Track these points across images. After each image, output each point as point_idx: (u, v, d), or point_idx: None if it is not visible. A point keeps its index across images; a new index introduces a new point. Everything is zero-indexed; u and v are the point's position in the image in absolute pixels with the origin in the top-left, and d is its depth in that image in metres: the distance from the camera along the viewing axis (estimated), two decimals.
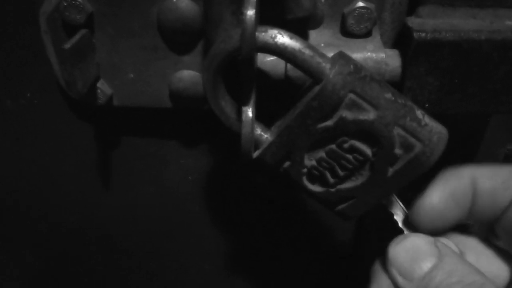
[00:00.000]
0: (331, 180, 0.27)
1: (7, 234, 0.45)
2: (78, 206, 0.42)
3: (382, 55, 0.29)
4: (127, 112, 0.36)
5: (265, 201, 0.42)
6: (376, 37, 0.30)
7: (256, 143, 0.28)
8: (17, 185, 0.41)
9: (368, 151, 0.26)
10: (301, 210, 0.42)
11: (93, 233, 0.44)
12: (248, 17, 0.23)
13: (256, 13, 0.24)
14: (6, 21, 0.33)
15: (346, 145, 0.26)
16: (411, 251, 0.26)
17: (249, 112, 0.28)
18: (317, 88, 0.25)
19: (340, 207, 0.29)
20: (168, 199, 0.42)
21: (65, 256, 0.46)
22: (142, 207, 0.42)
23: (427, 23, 0.28)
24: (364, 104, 0.25)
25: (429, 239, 0.27)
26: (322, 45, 0.29)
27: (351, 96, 0.24)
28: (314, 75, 0.25)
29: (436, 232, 0.28)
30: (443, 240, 0.28)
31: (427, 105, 0.30)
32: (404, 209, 0.29)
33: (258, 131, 0.28)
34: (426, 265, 0.26)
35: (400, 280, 0.26)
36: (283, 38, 0.24)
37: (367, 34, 0.29)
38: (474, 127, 0.36)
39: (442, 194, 0.28)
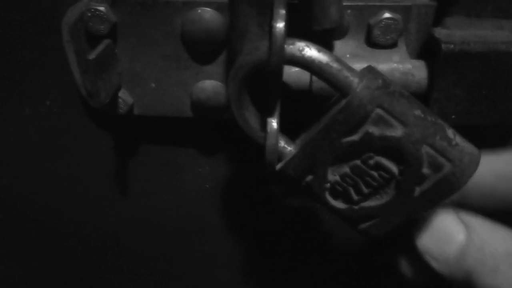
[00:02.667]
0: (355, 197, 0.27)
1: (24, 239, 0.45)
2: (95, 213, 0.42)
3: (409, 66, 0.28)
4: (145, 120, 0.35)
5: (280, 210, 0.42)
6: (402, 47, 0.29)
7: (280, 155, 0.27)
8: (35, 192, 0.41)
9: (394, 168, 0.26)
10: (317, 219, 0.42)
11: (109, 240, 0.44)
12: (277, 29, 0.23)
13: (285, 25, 0.23)
14: (28, 29, 0.33)
15: (371, 162, 0.26)
16: (436, 236, 0.26)
17: (274, 124, 0.28)
18: (343, 102, 0.24)
19: (363, 225, 0.28)
20: (185, 207, 0.42)
21: (81, 262, 0.46)
22: (159, 214, 0.42)
23: (454, 34, 0.28)
24: (392, 120, 0.24)
25: (453, 216, 0.26)
26: (348, 56, 0.29)
27: (378, 111, 0.24)
28: (341, 89, 0.24)
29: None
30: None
31: (453, 117, 0.29)
32: None
33: (282, 143, 0.28)
34: (455, 246, 0.25)
35: (436, 265, 0.26)
36: (310, 51, 0.24)
37: (393, 45, 0.29)
38: (499, 137, 0.36)
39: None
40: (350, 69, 0.24)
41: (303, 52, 0.24)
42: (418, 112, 0.24)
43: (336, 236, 0.43)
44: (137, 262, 0.46)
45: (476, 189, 0.28)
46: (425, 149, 0.24)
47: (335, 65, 0.24)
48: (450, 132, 0.25)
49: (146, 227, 0.43)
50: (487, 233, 0.25)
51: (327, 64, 0.24)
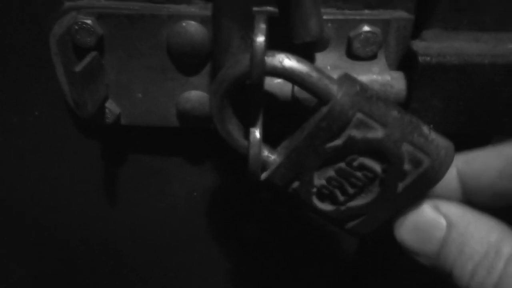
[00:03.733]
0: (341, 198, 0.28)
1: (14, 246, 0.45)
2: (84, 220, 0.43)
3: (388, 77, 0.29)
4: (133, 130, 0.36)
5: (269, 217, 0.42)
6: (381, 59, 0.30)
7: (263, 165, 0.28)
8: (23, 200, 0.42)
9: (377, 167, 0.26)
10: (306, 225, 0.42)
11: (99, 248, 0.45)
12: (258, 43, 0.24)
13: (266, 39, 0.24)
14: (17, 40, 0.33)
15: (355, 163, 0.26)
16: (416, 231, 0.26)
17: (257, 134, 0.28)
18: (325, 109, 0.25)
19: (350, 224, 0.29)
20: (173, 215, 0.42)
21: (71, 270, 0.46)
22: (147, 222, 0.43)
23: (431, 47, 0.29)
24: (372, 123, 0.25)
25: (432, 208, 0.26)
26: (329, 67, 0.30)
27: (359, 115, 0.25)
28: (322, 97, 0.25)
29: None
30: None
31: (431, 126, 0.30)
32: None
33: (265, 152, 0.28)
34: (435, 241, 0.25)
35: (418, 258, 0.26)
36: (290, 62, 0.25)
37: (372, 57, 0.30)
38: (476, 147, 0.37)
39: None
40: (329, 77, 0.25)
41: (283, 63, 0.25)
42: (395, 113, 0.25)
43: (326, 242, 0.44)
44: (126, 270, 0.46)
45: (479, 186, 0.28)
46: (405, 147, 0.25)
47: (314, 74, 0.25)
48: (425, 129, 0.26)
49: (135, 234, 0.43)
50: (468, 227, 0.25)
51: (307, 74, 0.25)
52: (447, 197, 0.27)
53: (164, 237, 0.43)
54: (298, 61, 0.25)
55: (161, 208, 0.42)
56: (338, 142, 0.26)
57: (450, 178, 0.28)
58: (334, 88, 0.25)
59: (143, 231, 0.43)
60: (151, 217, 0.42)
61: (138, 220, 0.42)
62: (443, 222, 0.26)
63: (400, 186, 0.27)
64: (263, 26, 0.24)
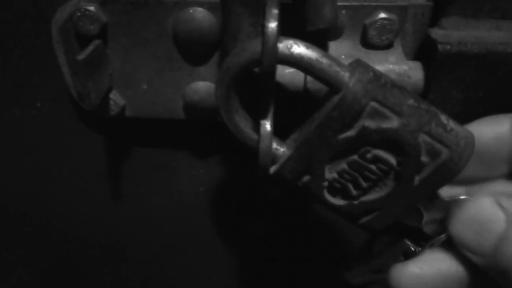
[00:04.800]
0: (354, 192, 0.27)
1: (15, 242, 0.45)
2: (87, 216, 0.42)
3: (405, 67, 0.28)
4: (138, 122, 0.35)
5: (276, 213, 0.41)
6: (397, 48, 0.29)
7: (273, 158, 0.27)
8: (25, 194, 0.41)
9: (392, 160, 0.25)
10: (313, 221, 0.41)
11: (102, 243, 0.44)
12: (270, 29, 0.23)
13: (278, 25, 0.23)
14: (18, 30, 0.32)
15: (369, 156, 0.25)
16: (472, 225, 0.24)
17: (268, 126, 0.27)
18: (336, 98, 0.24)
19: (364, 219, 0.27)
20: (179, 210, 0.41)
21: (73, 265, 0.46)
22: (152, 217, 0.42)
23: (451, 35, 0.28)
24: (387, 112, 0.24)
25: (491, 201, 0.24)
26: (343, 56, 0.28)
27: (373, 104, 0.23)
28: (333, 85, 0.24)
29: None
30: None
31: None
32: None
33: (274, 145, 0.27)
34: (493, 236, 0.24)
35: (471, 256, 0.24)
36: (299, 48, 0.23)
37: (388, 46, 0.29)
38: None
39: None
40: (340, 64, 0.24)
41: (291, 50, 0.23)
42: (411, 101, 0.24)
43: (334, 239, 0.43)
44: (130, 265, 0.45)
45: None
46: (422, 137, 0.24)
47: (324, 60, 0.23)
48: (443, 118, 0.24)
49: (140, 229, 0.43)
50: None
51: (316, 60, 0.23)
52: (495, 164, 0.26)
53: (169, 233, 0.43)
54: (307, 47, 0.24)
55: (166, 203, 0.41)
56: (351, 133, 0.24)
57: (503, 137, 0.26)
58: (345, 76, 0.23)
59: (148, 227, 0.42)
60: (156, 213, 0.41)
61: (142, 215, 0.42)
62: (502, 216, 0.24)
63: (417, 179, 0.25)
64: (275, 11, 0.23)
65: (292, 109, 0.30)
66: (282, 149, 0.26)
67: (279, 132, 0.27)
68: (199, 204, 0.41)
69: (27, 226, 0.43)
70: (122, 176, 0.39)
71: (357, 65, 0.24)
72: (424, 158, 0.25)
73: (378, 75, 0.24)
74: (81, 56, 0.27)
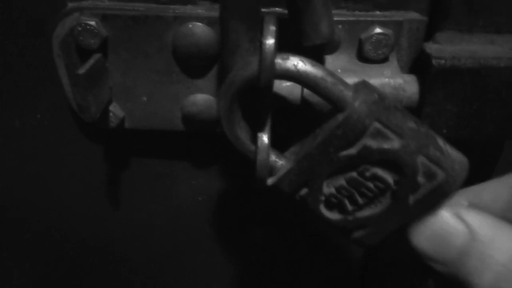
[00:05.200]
0: (350, 207, 0.27)
1: (14, 251, 0.45)
2: (87, 226, 0.42)
3: (400, 81, 0.28)
4: (137, 133, 0.35)
5: (274, 222, 0.42)
6: (393, 62, 0.29)
7: (271, 170, 0.27)
8: (25, 204, 0.41)
9: (389, 179, 0.26)
10: (312, 231, 0.42)
11: (101, 252, 0.44)
12: (267, 46, 0.23)
13: (275, 42, 0.23)
14: (19, 41, 0.33)
15: (367, 173, 0.26)
16: (434, 237, 0.25)
17: (265, 138, 0.27)
18: (341, 116, 0.24)
19: (357, 234, 0.28)
20: (178, 219, 0.41)
21: (72, 275, 0.46)
22: (152, 227, 0.42)
23: (445, 50, 0.28)
24: (389, 133, 0.24)
25: (452, 214, 0.25)
26: (339, 70, 0.29)
27: (376, 125, 0.24)
28: (336, 103, 0.24)
29: None
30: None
31: (444, 131, 0.29)
32: None
33: (273, 157, 0.28)
34: (454, 250, 0.24)
35: (434, 265, 0.25)
36: (305, 66, 0.24)
37: (384, 60, 0.29)
38: (488, 152, 0.36)
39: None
40: (344, 83, 0.24)
41: (298, 67, 0.24)
42: (412, 124, 0.24)
43: (333, 246, 0.43)
44: (128, 274, 0.45)
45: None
46: (420, 159, 0.25)
47: (329, 79, 0.24)
48: (441, 142, 0.25)
49: (139, 239, 0.43)
50: (490, 236, 0.24)
51: (321, 78, 0.24)
52: None
53: (168, 242, 0.43)
54: (312, 65, 0.24)
55: (165, 212, 0.41)
56: (352, 151, 0.25)
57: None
58: (349, 95, 0.24)
59: (147, 235, 0.43)
60: (155, 221, 0.42)
61: (142, 224, 0.42)
62: (463, 229, 0.24)
63: (412, 198, 0.26)
64: (272, 28, 0.24)
65: (289, 121, 0.30)
66: (280, 162, 0.27)
67: (277, 143, 0.28)
68: (198, 212, 0.41)
69: (27, 235, 0.43)
70: (122, 186, 0.39)
71: (363, 86, 0.25)
72: (420, 179, 0.25)
73: (382, 97, 0.24)
74: (82, 70, 0.27)
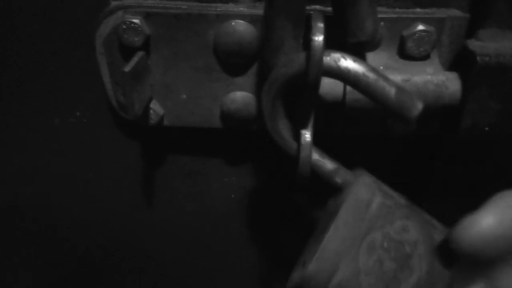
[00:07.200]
0: None
1: (48, 247, 0.45)
2: (119, 222, 0.43)
3: (443, 78, 0.28)
4: (172, 130, 0.36)
5: (305, 222, 0.42)
6: (434, 59, 0.29)
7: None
8: (61, 200, 0.42)
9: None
10: None
11: (132, 248, 0.44)
12: (317, 42, 0.23)
13: (324, 39, 0.23)
14: (60, 41, 0.33)
15: None
16: None
17: (308, 136, 0.28)
18: None
19: None
20: (210, 216, 0.42)
21: (103, 268, 0.46)
22: (185, 223, 0.42)
23: (488, 47, 0.28)
24: None
25: None
26: (381, 67, 0.29)
27: None
28: (378, 99, 0.24)
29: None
30: None
31: (487, 129, 0.29)
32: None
33: (316, 156, 0.28)
34: None
35: None
36: (346, 62, 0.24)
37: (425, 57, 0.29)
38: None
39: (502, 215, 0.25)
40: (386, 79, 0.24)
41: (339, 63, 0.24)
42: None
43: None
44: (159, 270, 0.46)
45: None
46: None
47: (371, 75, 0.24)
48: None
49: (169, 235, 0.43)
50: None
51: (363, 74, 0.24)
52: None
53: (200, 239, 0.43)
54: (354, 61, 0.24)
55: (198, 209, 0.41)
56: None
57: None
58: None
59: (179, 232, 0.43)
60: (188, 218, 0.42)
61: (174, 221, 0.42)
62: None
63: None
64: (321, 25, 0.24)
65: (330, 119, 0.30)
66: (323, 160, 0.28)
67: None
68: (229, 210, 0.41)
69: (58, 230, 0.44)
70: (156, 183, 0.40)
71: None
72: None
73: None
74: (127, 68, 0.27)
